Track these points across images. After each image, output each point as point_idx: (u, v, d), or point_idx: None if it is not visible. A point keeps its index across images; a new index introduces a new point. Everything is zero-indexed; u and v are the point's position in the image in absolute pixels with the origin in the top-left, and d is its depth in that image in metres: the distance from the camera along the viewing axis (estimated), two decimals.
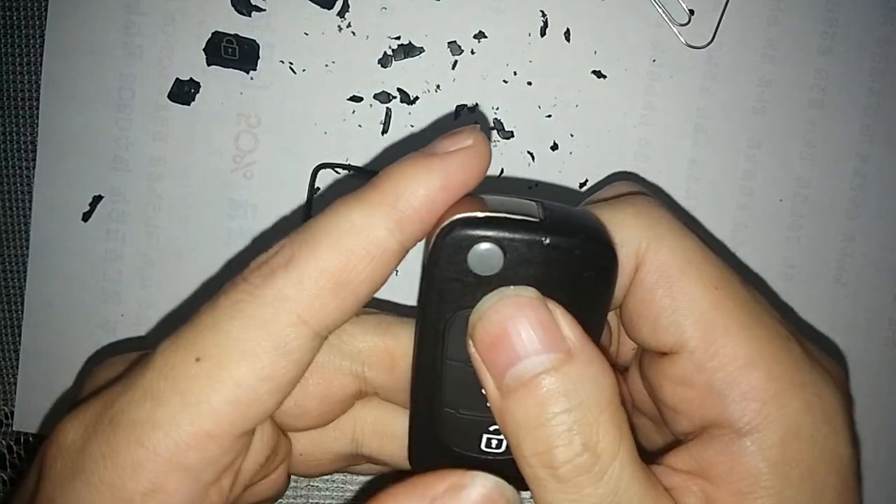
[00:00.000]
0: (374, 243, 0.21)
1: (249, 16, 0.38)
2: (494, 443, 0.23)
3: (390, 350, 0.25)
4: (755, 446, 0.21)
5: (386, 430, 0.27)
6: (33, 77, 0.39)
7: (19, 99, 0.39)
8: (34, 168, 0.39)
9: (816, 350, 0.23)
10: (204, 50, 0.38)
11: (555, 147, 0.39)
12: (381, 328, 0.25)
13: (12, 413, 0.39)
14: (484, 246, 0.21)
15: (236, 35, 0.38)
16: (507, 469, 0.23)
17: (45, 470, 0.22)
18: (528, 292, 0.21)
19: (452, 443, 0.23)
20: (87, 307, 0.39)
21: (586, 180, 0.39)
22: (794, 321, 0.40)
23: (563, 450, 0.20)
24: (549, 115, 0.39)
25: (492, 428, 0.23)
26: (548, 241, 0.21)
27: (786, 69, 0.39)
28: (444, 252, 0.21)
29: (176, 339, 0.21)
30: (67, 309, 0.39)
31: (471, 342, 0.21)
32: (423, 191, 0.21)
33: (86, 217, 0.39)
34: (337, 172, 0.39)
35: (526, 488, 0.22)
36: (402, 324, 0.25)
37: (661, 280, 0.22)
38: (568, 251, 0.21)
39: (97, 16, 0.38)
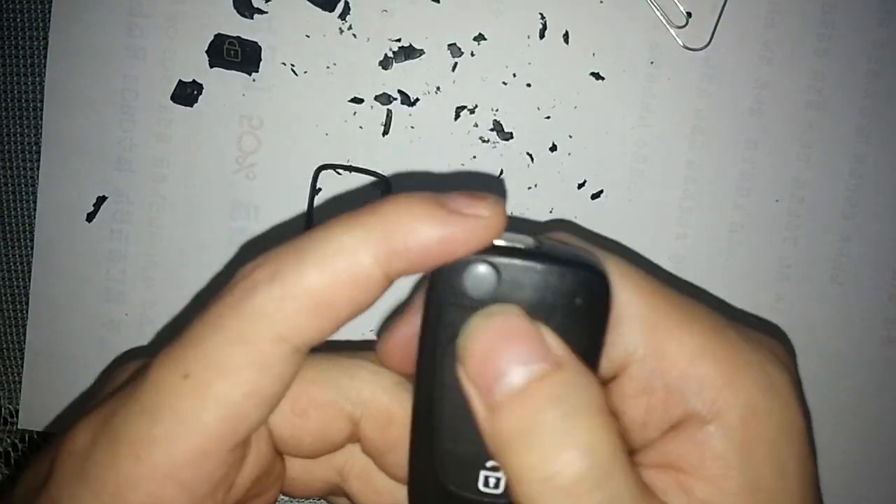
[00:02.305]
0: (360, 268, 0.21)
1: (251, 18, 0.38)
2: (493, 481, 0.23)
3: (391, 413, 0.25)
4: (719, 431, 0.22)
5: (370, 480, 0.27)
6: (37, 79, 0.39)
7: (23, 101, 0.39)
8: (38, 169, 0.39)
9: (756, 333, 0.24)
10: (206, 52, 0.38)
11: (553, 148, 0.39)
12: (394, 389, 0.25)
13: (17, 411, 0.40)
14: (479, 267, 0.21)
15: (238, 37, 0.38)
16: None
17: (54, 470, 0.22)
18: (513, 310, 0.21)
19: (451, 482, 0.23)
20: (91, 307, 0.39)
21: (585, 181, 0.39)
22: (790, 320, 0.40)
23: (559, 456, 0.20)
24: (548, 117, 0.39)
25: (489, 465, 0.23)
26: (539, 263, 0.21)
27: (782, 71, 0.39)
28: (441, 277, 0.22)
29: (167, 354, 0.22)
30: (71, 308, 0.39)
31: (459, 366, 0.22)
32: (420, 235, 0.21)
33: (90, 217, 0.39)
34: (338, 173, 0.39)
35: None
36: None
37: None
38: (559, 275, 0.21)
39: (100, 18, 0.39)
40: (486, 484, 0.23)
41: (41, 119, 0.39)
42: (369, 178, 0.39)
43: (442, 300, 0.22)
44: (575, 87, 0.39)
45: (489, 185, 0.39)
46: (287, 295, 0.21)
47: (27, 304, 0.40)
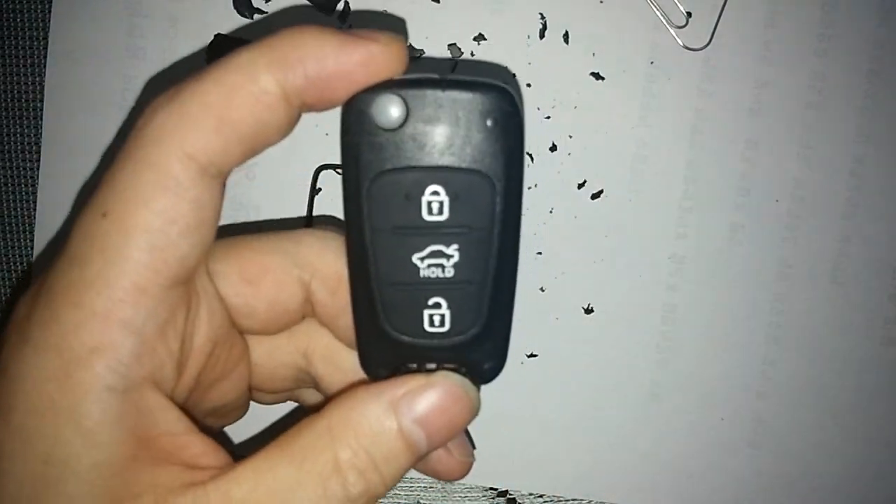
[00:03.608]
0: (257, 84, 0.21)
1: (251, 18, 0.38)
2: (437, 319, 0.23)
3: (339, 274, 0.25)
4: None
5: (335, 357, 0.27)
6: (37, 79, 0.39)
7: (23, 101, 0.39)
8: (38, 169, 0.39)
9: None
10: (206, 52, 0.38)
11: (553, 148, 0.39)
12: (341, 250, 0.25)
13: None
14: (385, 97, 0.21)
15: (238, 37, 0.38)
16: (458, 351, 0.23)
17: (2, 345, 0.22)
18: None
19: (396, 328, 0.23)
20: None
21: (585, 181, 0.39)
22: (790, 320, 0.40)
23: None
24: (548, 117, 0.39)
25: (430, 301, 0.23)
26: (446, 90, 0.21)
27: (782, 71, 0.39)
28: (350, 114, 0.22)
29: (88, 202, 0.22)
30: None
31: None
32: (317, 52, 0.21)
33: None
34: (338, 173, 0.39)
35: (483, 380, 0.24)
36: None
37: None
38: (467, 98, 0.21)
39: (100, 18, 0.39)
40: (432, 323, 0.23)
41: (41, 119, 0.39)
42: None
43: (354, 135, 0.22)
44: (575, 88, 0.39)
45: None
46: (185, 111, 0.21)
47: None
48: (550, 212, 0.39)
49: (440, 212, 0.22)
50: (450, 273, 0.23)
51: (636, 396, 0.40)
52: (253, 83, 0.21)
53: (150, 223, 0.21)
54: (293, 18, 0.38)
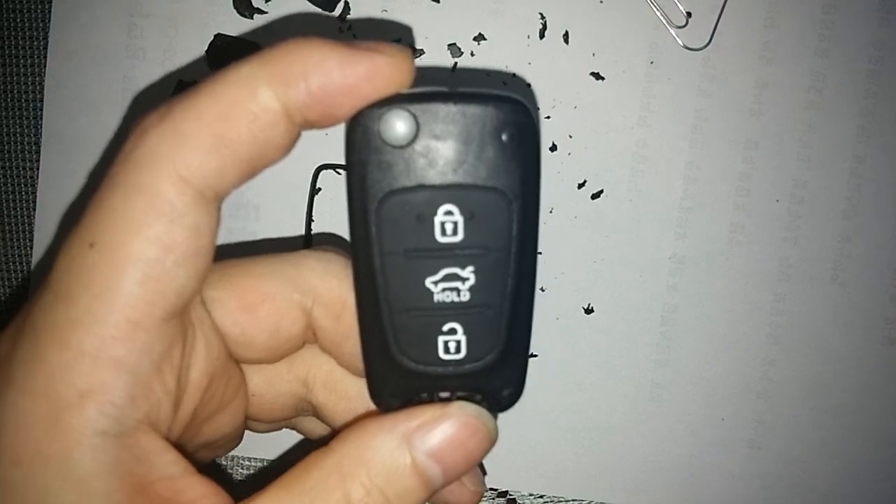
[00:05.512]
0: (257, 100, 0.19)
1: (251, 18, 0.38)
2: (452, 345, 0.22)
3: (343, 298, 0.24)
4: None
5: (337, 385, 0.26)
6: (37, 79, 0.39)
7: (23, 101, 0.39)
8: (38, 169, 0.39)
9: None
10: (206, 52, 0.38)
11: (553, 148, 0.39)
12: (344, 273, 0.24)
13: None
14: (393, 112, 0.20)
15: (238, 37, 0.38)
16: (474, 379, 0.22)
17: None
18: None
19: (409, 357, 0.22)
20: None
21: (585, 181, 0.39)
22: (790, 320, 0.40)
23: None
24: (548, 117, 0.39)
25: (445, 328, 0.22)
26: (457, 102, 0.20)
27: (783, 71, 0.39)
28: (355, 131, 0.20)
29: (71, 232, 0.20)
30: None
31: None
32: (320, 66, 0.20)
33: None
34: (338, 173, 0.39)
35: (500, 408, 0.23)
36: None
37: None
38: (480, 112, 0.20)
39: (100, 18, 0.39)
40: (447, 350, 0.22)
41: (41, 119, 0.39)
42: None
43: (361, 153, 0.20)
44: (575, 87, 0.39)
45: None
46: (179, 130, 0.19)
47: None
48: (550, 212, 0.39)
49: (454, 233, 0.21)
50: (465, 297, 0.21)
51: (636, 396, 0.40)
52: (252, 99, 0.19)
53: (144, 252, 0.19)
54: (293, 18, 0.38)
